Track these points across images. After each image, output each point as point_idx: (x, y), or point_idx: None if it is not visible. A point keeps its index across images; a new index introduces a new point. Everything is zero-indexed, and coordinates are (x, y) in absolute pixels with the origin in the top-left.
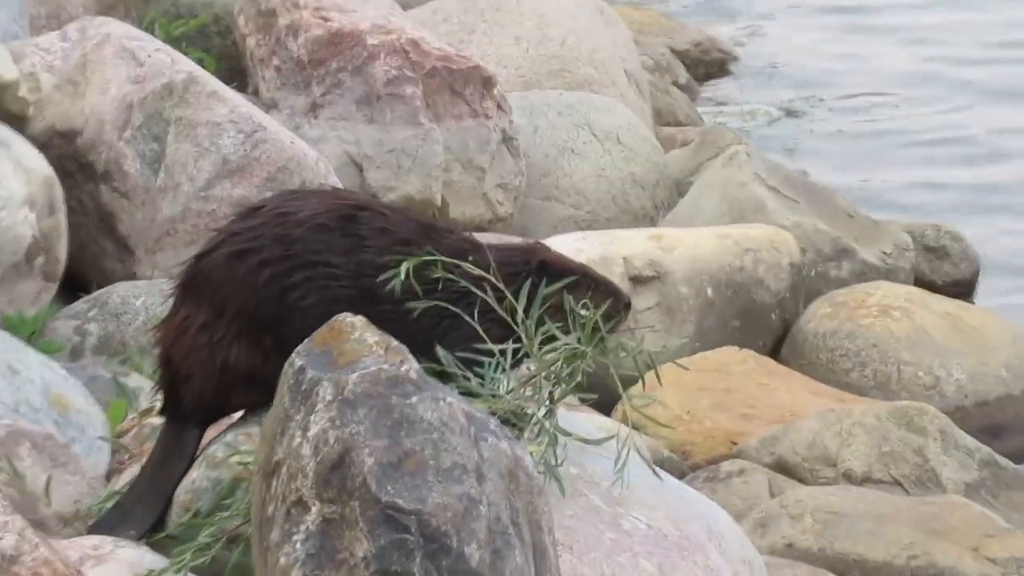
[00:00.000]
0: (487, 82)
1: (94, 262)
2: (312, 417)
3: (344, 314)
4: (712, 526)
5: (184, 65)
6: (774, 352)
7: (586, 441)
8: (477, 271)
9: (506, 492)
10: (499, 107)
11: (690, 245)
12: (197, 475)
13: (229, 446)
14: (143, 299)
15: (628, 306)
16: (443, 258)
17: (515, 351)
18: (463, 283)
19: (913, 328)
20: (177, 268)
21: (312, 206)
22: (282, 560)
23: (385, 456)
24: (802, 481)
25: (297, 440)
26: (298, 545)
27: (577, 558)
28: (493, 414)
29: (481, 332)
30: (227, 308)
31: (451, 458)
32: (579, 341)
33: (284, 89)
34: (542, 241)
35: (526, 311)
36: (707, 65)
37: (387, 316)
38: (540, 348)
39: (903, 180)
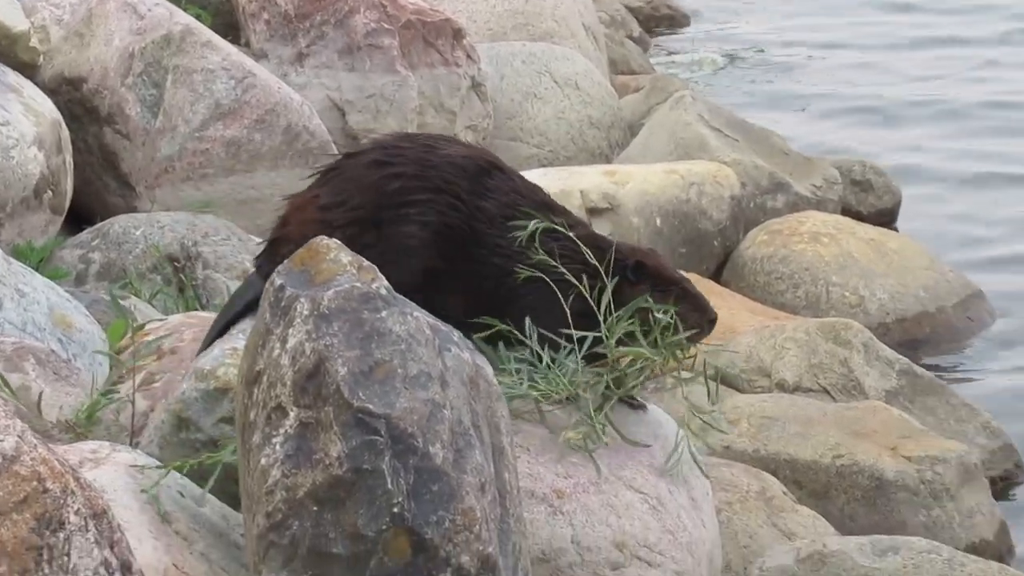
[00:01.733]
0: (457, 34)
1: (98, 197)
2: (290, 331)
3: (321, 236)
4: (657, 430)
5: (181, 18)
6: (716, 275)
7: (627, 440)
8: (584, 257)
9: (467, 398)
10: (468, 57)
11: (640, 180)
12: (187, 387)
13: (216, 359)
14: (142, 230)
15: (712, 321)
16: (567, 232)
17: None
18: (561, 268)
19: (840, 253)
20: (175, 202)
21: (457, 150)
22: (263, 461)
23: (357, 365)
24: (739, 390)
25: (276, 351)
26: (277, 447)
27: (533, 458)
28: (547, 397)
29: (568, 315)
30: (349, 200)
31: (417, 367)
32: (655, 343)
33: (273, 41)
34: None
35: (611, 307)
36: (658, 20)
37: (487, 263)
38: (616, 345)
39: (832, 123)
